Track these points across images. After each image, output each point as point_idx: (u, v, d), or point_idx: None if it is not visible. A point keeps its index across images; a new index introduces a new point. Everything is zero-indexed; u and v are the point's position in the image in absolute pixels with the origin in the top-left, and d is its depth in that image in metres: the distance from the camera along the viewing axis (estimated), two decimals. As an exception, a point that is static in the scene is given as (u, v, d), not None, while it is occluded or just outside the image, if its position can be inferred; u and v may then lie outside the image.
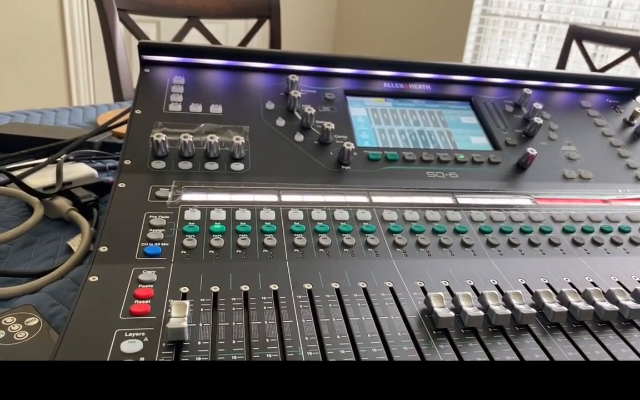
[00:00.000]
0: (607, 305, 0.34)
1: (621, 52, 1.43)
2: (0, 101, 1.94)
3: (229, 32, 2.49)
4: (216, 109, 0.49)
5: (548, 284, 0.38)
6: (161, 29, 2.29)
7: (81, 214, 0.48)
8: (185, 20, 1.21)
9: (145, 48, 0.51)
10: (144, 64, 0.52)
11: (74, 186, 0.52)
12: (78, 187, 0.52)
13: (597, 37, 1.51)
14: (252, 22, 1.29)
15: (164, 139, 0.43)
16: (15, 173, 0.51)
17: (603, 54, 2.16)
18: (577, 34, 1.48)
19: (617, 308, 0.34)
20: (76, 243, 0.46)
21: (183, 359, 0.27)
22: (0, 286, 0.40)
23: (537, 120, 0.54)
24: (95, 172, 0.56)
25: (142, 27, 1.14)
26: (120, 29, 1.08)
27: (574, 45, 1.49)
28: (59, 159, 0.54)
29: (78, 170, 0.55)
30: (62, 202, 0.49)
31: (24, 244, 0.46)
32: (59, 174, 0.52)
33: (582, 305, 0.34)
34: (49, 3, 1.98)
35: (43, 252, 0.46)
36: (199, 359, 0.27)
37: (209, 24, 1.24)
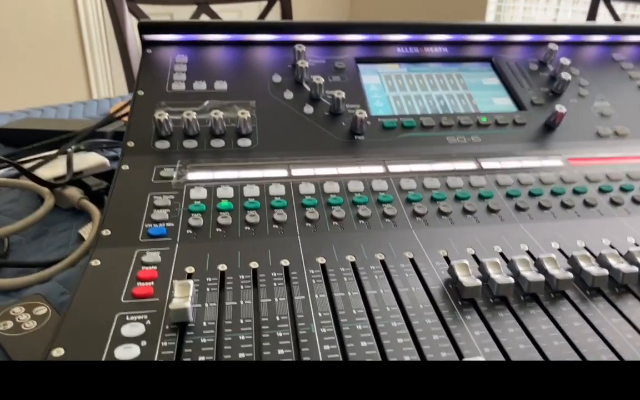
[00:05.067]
0: (653, 266, 0.31)
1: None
2: (20, 99, 1.97)
3: (242, 17, 2.47)
4: (221, 85, 0.47)
5: (585, 247, 0.34)
6: (174, 18, 2.28)
7: (93, 203, 0.48)
8: (195, 7, 1.19)
9: (146, 27, 0.49)
10: (145, 44, 0.50)
11: (85, 175, 0.51)
12: (89, 176, 0.51)
13: (627, -6, 1.42)
14: (266, 6, 1.26)
15: (167, 118, 0.41)
16: (27, 166, 0.51)
17: (634, 14, 2.04)
18: (605, -8, 1.40)
19: (665, 269, 0.31)
20: (87, 231, 0.45)
21: (187, 341, 0.25)
22: (11, 277, 0.39)
23: (565, 76, 0.50)
24: (106, 160, 0.55)
25: (156, 18, 1.13)
26: (130, 20, 1.07)
27: (602, 7, 1.40)
28: (68, 150, 0.53)
29: (89, 160, 0.54)
30: (73, 192, 0.49)
31: (36, 235, 0.46)
32: (69, 163, 0.51)
33: (624, 267, 0.31)
34: (63, 1, 1.99)
35: (55, 242, 0.45)
36: (204, 341, 0.25)
37: (222, 12, 1.21)
